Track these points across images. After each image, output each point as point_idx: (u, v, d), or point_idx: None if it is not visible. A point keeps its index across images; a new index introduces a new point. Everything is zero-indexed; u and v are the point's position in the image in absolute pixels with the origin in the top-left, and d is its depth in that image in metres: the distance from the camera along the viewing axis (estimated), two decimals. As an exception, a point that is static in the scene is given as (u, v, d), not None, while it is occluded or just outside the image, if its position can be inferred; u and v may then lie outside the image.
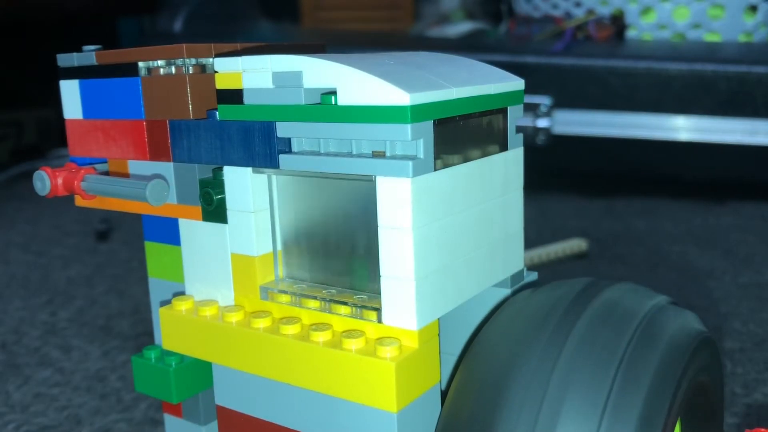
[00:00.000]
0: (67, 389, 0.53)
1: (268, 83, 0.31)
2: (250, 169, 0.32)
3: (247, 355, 0.32)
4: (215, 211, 0.34)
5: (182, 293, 0.37)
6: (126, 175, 0.37)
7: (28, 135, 1.47)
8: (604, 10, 1.18)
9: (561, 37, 1.12)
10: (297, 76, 0.30)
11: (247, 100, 0.31)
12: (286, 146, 0.31)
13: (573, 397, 0.25)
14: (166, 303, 0.37)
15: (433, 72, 0.30)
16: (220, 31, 1.29)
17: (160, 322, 0.36)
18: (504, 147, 0.34)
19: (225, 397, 0.34)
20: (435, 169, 0.29)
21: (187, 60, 0.34)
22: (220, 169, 0.33)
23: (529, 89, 0.35)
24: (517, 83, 0.34)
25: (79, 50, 0.38)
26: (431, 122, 0.28)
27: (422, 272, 0.29)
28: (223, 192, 0.33)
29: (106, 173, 0.37)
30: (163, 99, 0.34)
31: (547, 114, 1.02)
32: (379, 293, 0.29)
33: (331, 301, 0.31)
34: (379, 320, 0.30)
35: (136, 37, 1.55)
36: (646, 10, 1.17)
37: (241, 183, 0.32)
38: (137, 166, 0.36)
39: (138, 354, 0.37)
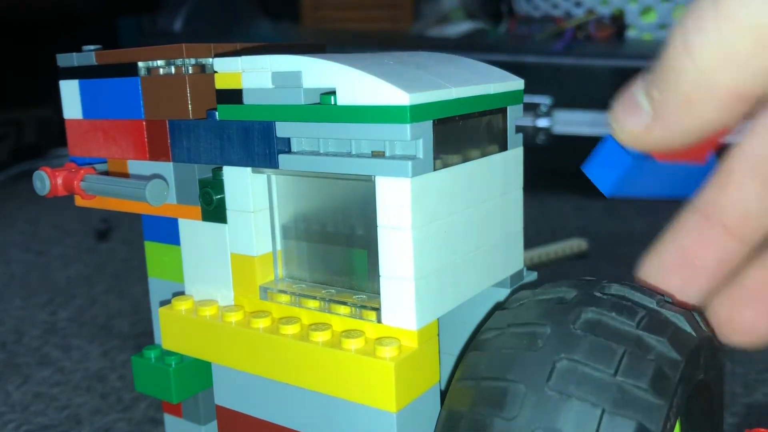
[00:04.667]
0: (67, 389, 0.53)
1: (267, 83, 0.31)
2: (249, 169, 0.32)
3: (247, 355, 0.32)
4: (215, 211, 0.34)
5: (182, 293, 0.37)
6: (126, 175, 0.37)
7: (28, 135, 1.47)
8: (604, 10, 1.18)
9: (561, 37, 1.12)
10: (296, 76, 0.30)
11: (247, 100, 0.31)
12: (286, 146, 0.31)
13: (573, 397, 0.25)
14: (165, 303, 0.37)
15: (432, 72, 0.30)
16: (220, 31, 1.29)
17: (159, 322, 0.36)
18: (504, 147, 0.34)
19: (224, 397, 0.34)
20: (434, 169, 0.29)
21: (186, 60, 0.34)
22: (220, 169, 0.33)
23: (529, 89, 0.35)
24: (517, 83, 0.34)
25: (79, 50, 0.38)
26: (430, 122, 0.28)
27: (422, 272, 0.29)
28: (222, 192, 0.33)
29: (106, 173, 0.37)
30: (163, 99, 0.34)
31: (547, 114, 1.02)
32: (379, 293, 0.29)
33: (330, 301, 0.31)
34: (379, 320, 0.30)
35: (136, 36, 1.55)
36: (646, 10, 1.17)
37: (241, 183, 0.32)
38: (137, 166, 0.36)
39: (138, 354, 0.37)
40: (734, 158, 0.24)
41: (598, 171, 0.26)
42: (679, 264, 0.25)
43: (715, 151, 0.26)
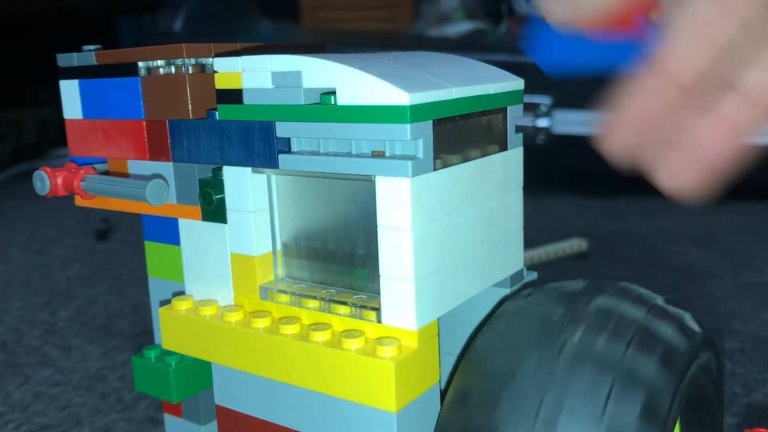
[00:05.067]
0: (67, 389, 0.53)
1: (267, 83, 0.31)
2: (249, 169, 0.32)
3: (247, 355, 0.32)
4: (215, 211, 0.34)
5: (182, 293, 0.37)
6: (126, 175, 0.37)
7: (28, 135, 1.47)
8: (604, 10, 1.18)
9: (561, 36, 1.12)
10: (296, 75, 0.30)
11: (247, 100, 0.31)
12: (286, 146, 0.31)
13: (573, 396, 0.25)
14: (166, 303, 0.37)
15: (432, 72, 0.30)
16: (220, 31, 1.29)
17: (159, 322, 0.36)
18: (503, 147, 0.34)
19: (225, 397, 0.34)
20: (434, 169, 0.29)
21: (186, 60, 0.34)
22: (220, 169, 0.33)
23: (529, 89, 0.35)
24: (517, 83, 0.34)
25: (79, 50, 0.38)
26: (430, 122, 0.28)
27: (422, 272, 0.29)
28: (222, 192, 0.33)
29: (106, 173, 0.37)
30: (163, 99, 0.34)
31: (547, 114, 1.02)
32: (379, 293, 0.29)
33: (330, 301, 0.31)
34: (379, 320, 0.30)
35: (136, 36, 1.55)
36: (646, 10, 1.17)
37: (241, 183, 0.32)
38: (137, 166, 0.36)
39: (138, 354, 0.37)
40: (679, 19, 0.26)
41: (535, 50, 0.29)
42: (633, 116, 0.28)
43: (651, 18, 0.29)
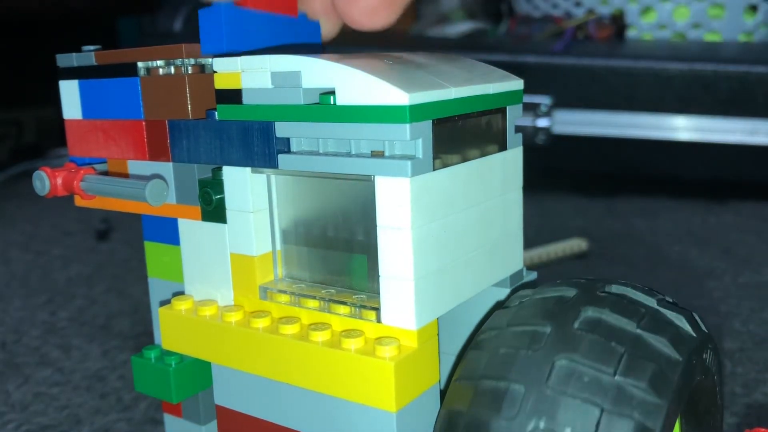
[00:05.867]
0: (67, 389, 0.53)
1: (267, 83, 0.31)
2: (249, 169, 0.32)
3: (247, 354, 0.32)
4: (214, 211, 0.34)
5: (182, 293, 0.37)
6: (125, 175, 0.37)
7: (28, 135, 1.47)
8: (604, 10, 1.18)
9: (561, 37, 1.12)
10: (296, 76, 0.30)
11: (246, 100, 0.31)
12: (285, 146, 0.31)
13: (572, 395, 0.25)
14: (165, 303, 0.37)
15: (432, 72, 0.30)
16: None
17: (159, 322, 0.36)
18: (503, 147, 0.34)
19: (224, 396, 0.34)
20: (434, 169, 0.29)
21: (186, 60, 0.34)
22: (220, 169, 0.33)
23: (529, 89, 0.35)
24: (516, 83, 0.34)
25: (79, 50, 0.38)
26: (430, 122, 0.28)
27: (421, 272, 0.29)
28: (222, 192, 0.33)
29: (106, 173, 0.37)
30: (162, 99, 0.34)
31: (547, 114, 1.02)
32: (378, 293, 0.29)
33: (330, 300, 0.31)
34: (378, 320, 0.30)
35: (135, 36, 1.55)
36: (646, 10, 1.17)
37: (240, 183, 0.32)
38: (137, 166, 0.36)
39: (137, 354, 0.37)
40: None
41: (206, 31, 0.32)
42: None
43: None
